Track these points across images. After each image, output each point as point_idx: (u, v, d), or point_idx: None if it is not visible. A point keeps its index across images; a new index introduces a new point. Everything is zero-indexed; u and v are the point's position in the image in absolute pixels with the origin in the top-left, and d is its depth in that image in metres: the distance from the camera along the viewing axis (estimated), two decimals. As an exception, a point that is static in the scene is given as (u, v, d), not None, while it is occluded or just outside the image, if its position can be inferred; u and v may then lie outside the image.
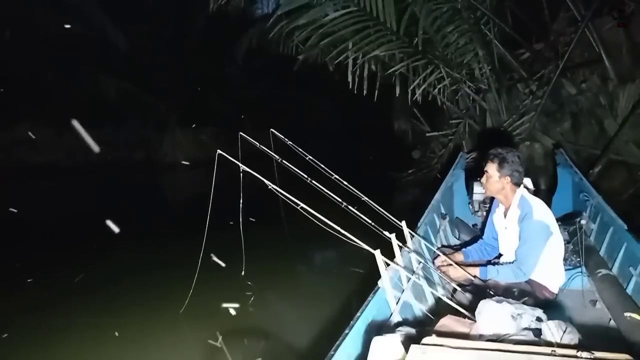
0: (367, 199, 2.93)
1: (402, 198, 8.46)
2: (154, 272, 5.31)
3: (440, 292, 2.96)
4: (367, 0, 6.36)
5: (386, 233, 2.64)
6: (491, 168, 3.02)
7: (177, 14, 14.00)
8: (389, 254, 2.55)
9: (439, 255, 3.24)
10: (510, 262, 3.03)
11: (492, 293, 2.64)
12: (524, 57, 7.69)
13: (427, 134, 8.94)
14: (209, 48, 14.03)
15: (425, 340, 1.62)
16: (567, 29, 7.24)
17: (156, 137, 13.77)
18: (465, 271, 2.99)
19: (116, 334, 4.08)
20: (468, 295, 2.85)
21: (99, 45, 12.77)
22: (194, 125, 13.80)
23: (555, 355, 1.51)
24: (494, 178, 3.01)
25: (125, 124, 13.25)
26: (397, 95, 7.30)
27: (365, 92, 6.99)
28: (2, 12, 11.34)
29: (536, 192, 3.26)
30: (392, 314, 2.46)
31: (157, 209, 8.93)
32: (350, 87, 6.93)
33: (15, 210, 7.66)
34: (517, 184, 3.03)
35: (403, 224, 3.00)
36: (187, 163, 12.48)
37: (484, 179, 3.09)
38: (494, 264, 3.14)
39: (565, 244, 3.27)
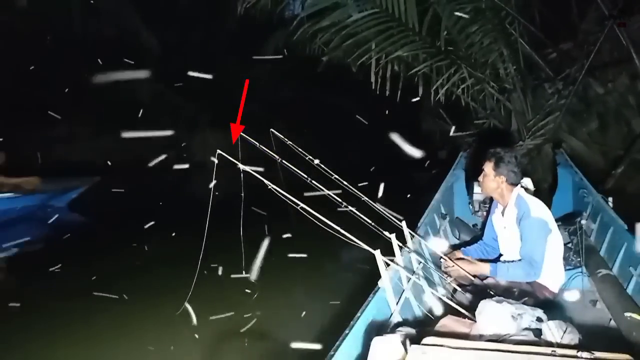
0: (366, 198, 2.98)
1: (425, 197, 8.43)
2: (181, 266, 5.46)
3: (440, 292, 2.98)
4: (389, 2, 6.37)
5: (386, 233, 2.68)
6: (487, 167, 3.07)
7: (207, 17, 14.29)
8: (389, 254, 2.59)
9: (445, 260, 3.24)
10: (518, 260, 3.02)
11: (492, 293, 2.66)
12: (552, 56, 7.53)
13: (451, 134, 8.86)
14: (237, 49, 14.25)
15: (425, 340, 1.67)
16: (596, 28, 7.04)
17: (187, 136, 14.08)
18: (475, 266, 3.02)
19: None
20: (468, 295, 2.88)
21: (133, 48, 13.21)
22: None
23: (555, 356, 1.54)
24: (490, 177, 3.06)
25: (157, 124, 13.61)
26: (420, 95, 7.26)
27: (388, 92, 6.99)
28: (43, 18, 11.96)
29: (537, 193, 3.25)
30: (392, 314, 2.51)
31: (187, 206, 9.14)
32: (373, 87, 6.95)
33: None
34: (514, 183, 3.05)
35: (403, 224, 3.05)
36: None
37: (481, 177, 3.14)
38: (504, 261, 3.14)
39: (565, 244, 3.27)
